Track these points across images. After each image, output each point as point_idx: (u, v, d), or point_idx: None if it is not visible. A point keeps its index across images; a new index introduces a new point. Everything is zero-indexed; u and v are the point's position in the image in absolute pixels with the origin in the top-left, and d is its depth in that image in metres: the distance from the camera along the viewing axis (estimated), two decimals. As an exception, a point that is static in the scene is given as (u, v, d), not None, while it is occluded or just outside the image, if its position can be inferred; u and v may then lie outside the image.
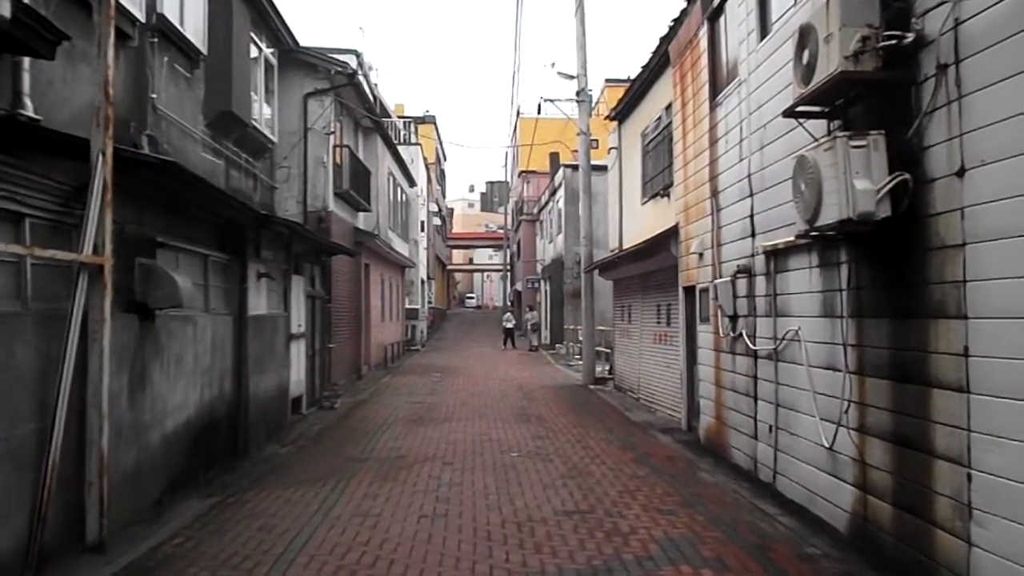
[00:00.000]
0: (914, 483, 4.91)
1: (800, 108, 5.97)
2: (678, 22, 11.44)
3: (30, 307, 5.05)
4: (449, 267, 65.81)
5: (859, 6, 4.99)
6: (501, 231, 58.15)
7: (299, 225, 10.54)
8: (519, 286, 45.69)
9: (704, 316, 10.20)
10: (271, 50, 13.23)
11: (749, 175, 8.19)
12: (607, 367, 19.70)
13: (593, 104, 23.31)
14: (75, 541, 5.49)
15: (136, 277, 6.32)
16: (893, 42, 4.87)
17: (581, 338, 24.64)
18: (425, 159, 38.00)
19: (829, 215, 5.27)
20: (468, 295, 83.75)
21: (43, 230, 5.26)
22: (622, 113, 16.86)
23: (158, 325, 6.79)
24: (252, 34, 11.80)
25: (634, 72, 15.43)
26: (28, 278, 5.04)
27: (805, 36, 5.48)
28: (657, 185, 13.93)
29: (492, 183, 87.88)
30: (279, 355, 10.86)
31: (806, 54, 5.49)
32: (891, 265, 5.24)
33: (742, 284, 8.50)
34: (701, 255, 10.22)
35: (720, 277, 9.18)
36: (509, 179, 56.40)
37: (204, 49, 9.78)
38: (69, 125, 6.15)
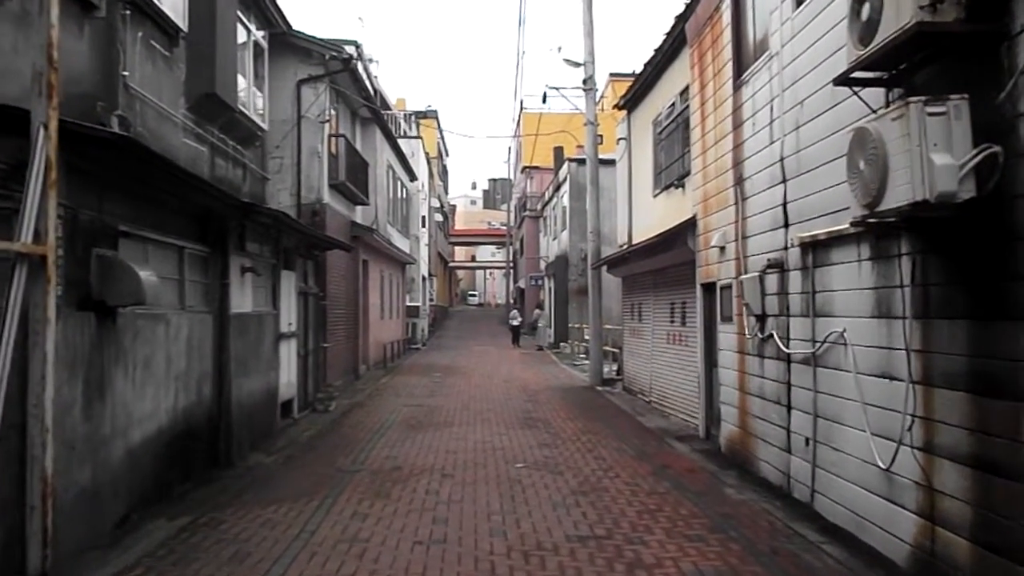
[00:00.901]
0: (1003, 518, 4.11)
1: (856, 75, 5.15)
2: (697, -2, 10.64)
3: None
4: (451, 264, 65.11)
5: (938, -54, 4.19)
6: (504, 228, 57.37)
7: (287, 216, 9.75)
8: (522, 283, 44.93)
9: (726, 315, 9.41)
10: (261, 32, 12.43)
11: (781, 159, 7.39)
12: (615, 368, 18.93)
13: (597, 99, 22.51)
14: (15, 574, 4.72)
15: (93, 270, 5.54)
16: (980, -13, 4.08)
17: (587, 337, 23.90)
18: (427, 153, 37.19)
19: (897, 197, 4.47)
20: (470, 292, 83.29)
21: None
22: (632, 101, 16.05)
23: (121, 325, 6.01)
24: (239, 13, 10.99)
25: (639, 67, 14.69)
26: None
27: (867, -13, 4.68)
28: (671, 175, 13.13)
29: (495, 180, 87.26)
30: (266, 356, 10.07)
31: (866, 8, 4.68)
32: (972, 256, 4.43)
33: (772, 280, 7.72)
34: (723, 249, 9.44)
35: (746, 273, 8.39)
36: (512, 175, 55.62)
37: (184, 26, 8.98)
38: (22, 100, 5.38)
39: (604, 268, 17.50)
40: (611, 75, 36.40)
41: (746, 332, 8.46)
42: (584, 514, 6.63)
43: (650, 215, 14.60)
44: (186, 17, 9.04)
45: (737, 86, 8.82)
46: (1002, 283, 4.11)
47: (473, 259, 79.16)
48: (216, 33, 9.58)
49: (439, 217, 47.72)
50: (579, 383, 18.34)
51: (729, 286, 9.21)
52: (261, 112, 12.26)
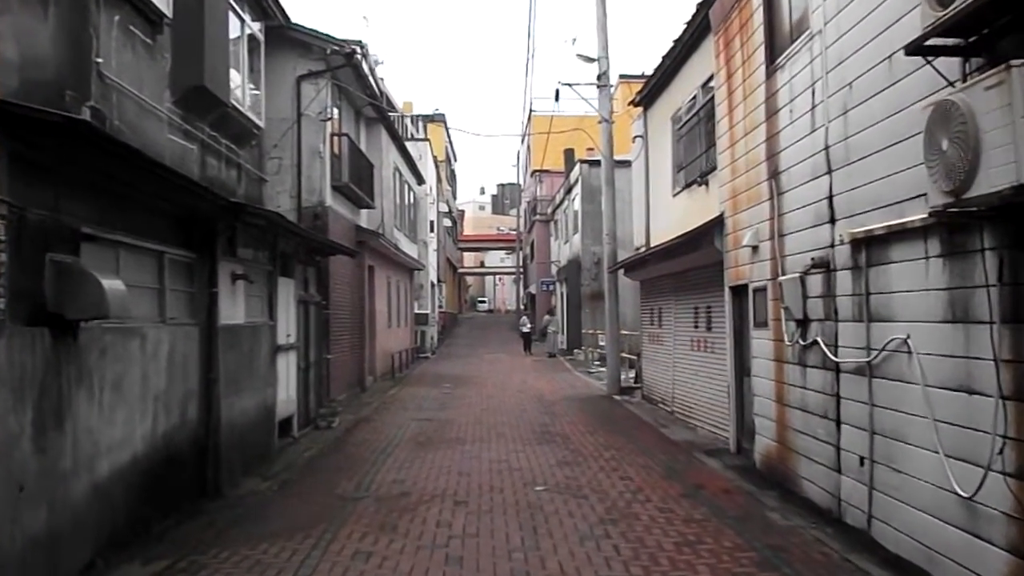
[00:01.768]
0: None
1: (931, 42, 4.39)
2: (722, -21, 9.87)
3: None
4: (460, 270, 64.43)
5: None
6: (513, 233, 56.63)
7: (281, 217, 9.02)
8: (533, 288, 44.18)
9: (760, 320, 8.63)
10: (257, 24, 11.75)
11: (826, 147, 6.63)
12: (631, 375, 18.13)
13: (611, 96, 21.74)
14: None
15: (47, 279, 4.83)
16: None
17: (602, 343, 23.10)
18: (435, 157, 36.52)
19: (992, 181, 3.72)
20: (480, 299, 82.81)
21: None
22: (648, 97, 15.29)
23: (84, 341, 5.29)
24: (232, 2, 10.33)
25: (648, 69, 13.99)
26: None
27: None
28: (693, 173, 12.35)
29: (503, 185, 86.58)
30: (261, 371, 9.34)
31: (949, -42, 3.93)
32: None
33: (816, 281, 6.95)
34: (755, 248, 8.67)
35: (784, 274, 7.62)
36: (521, 180, 54.92)
37: (168, 11, 8.29)
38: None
39: (621, 272, 16.73)
40: (621, 77, 35.65)
41: (785, 338, 7.69)
42: (616, 548, 5.85)
43: (669, 216, 13.83)
44: (170, 2, 8.36)
45: (771, 72, 8.07)
46: None
47: (482, 265, 78.53)
48: (204, 21, 8.89)
49: (448, 222, 47.04)
50: (596, 392, 17.55)
51: (763, 288, 8.44)
52: (257, 109, 11.58)
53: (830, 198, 6.62)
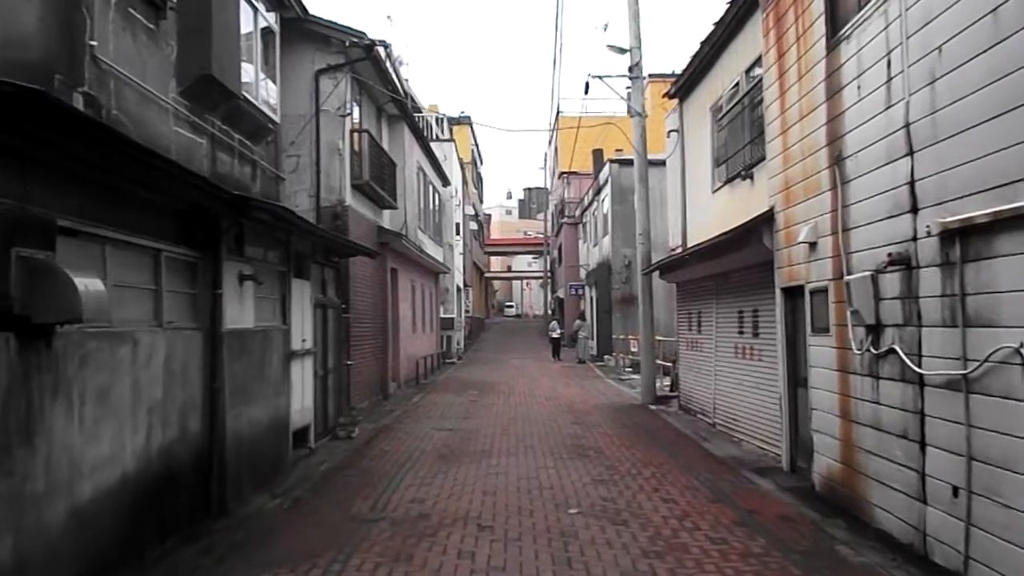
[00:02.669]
0: None
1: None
2: (771, -49, 9.04)
3: None
4: (487, 274, 63.82)
5: None
6: (540, 237, 55.84)
7: (291, 213, 8.33)
8: (561, 293, 43.31)
9: (819, 325, 7.77)
10: (272, 15, 11.16)
11: (907, 125, 5.78)
12: (666, 383, 17.24)
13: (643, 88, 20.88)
14: None
15: (13, 278, 4.18)
16: None
17: (634, 349, 22.21)
18: (460, 159, 35.88)
19: None
20: (507, 303, 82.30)
21: None
22: (684, 88, 14.45)
23: (60, 348, 4.64)
24: (244, -12, 9.73)
25: (678, 67, 13.14)
26: None
27: None
28: (735, 166, 11.49)
29: (530, 189, 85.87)
30: (273, 378, 8.67)
31: None
32: None
33: (891, 280, 6.10)
34: (813, 245, 7.81)
35: (850, 272, 6.76)
36: (548, 183, 54.15)
37: (172, -6, 7.70)
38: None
39: (655, 274, 15.88)
40: (650, 76, 34.83)
41: (852, 346, 6.82)
42: (665, 590, 5.06)
43: (708, 213, 12.98)
44: (173, -16, 7.76)
45: (832, 45, 7.22)
46: None
47: (509, 269, 77.91)
48: (212, 5, 8.30)
49: (474, 225, 46.40)
50: (629, 401, 16.68)
51: (823, 289, 7.58)
52: (273, 104, 10.97)
53: (911, 184, 5.75)
